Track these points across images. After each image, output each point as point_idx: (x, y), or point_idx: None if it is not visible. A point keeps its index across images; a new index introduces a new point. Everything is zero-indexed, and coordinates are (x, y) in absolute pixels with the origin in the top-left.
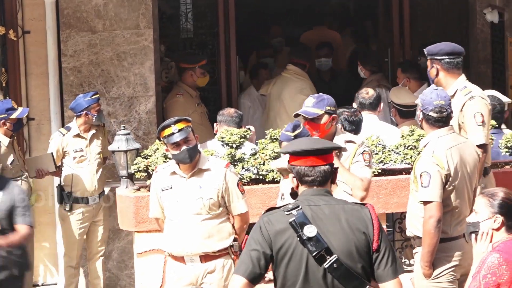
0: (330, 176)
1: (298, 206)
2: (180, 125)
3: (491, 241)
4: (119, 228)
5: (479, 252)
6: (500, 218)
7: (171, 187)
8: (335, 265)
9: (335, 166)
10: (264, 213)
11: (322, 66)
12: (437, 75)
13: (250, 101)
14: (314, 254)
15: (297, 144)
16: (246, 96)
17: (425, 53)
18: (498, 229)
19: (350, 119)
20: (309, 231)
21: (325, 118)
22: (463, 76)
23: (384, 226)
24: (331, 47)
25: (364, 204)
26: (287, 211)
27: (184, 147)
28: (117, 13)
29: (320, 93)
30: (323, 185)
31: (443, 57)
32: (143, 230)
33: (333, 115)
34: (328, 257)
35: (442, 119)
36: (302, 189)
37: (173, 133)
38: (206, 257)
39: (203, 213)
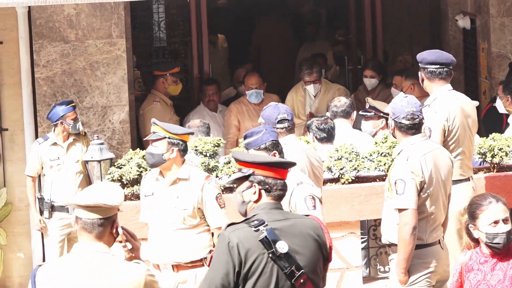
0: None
1: (264, 222)
2: (156, 128)
3: None
4: None
5: None
6: None
7: (153, 194)
8: (302, 280)
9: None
10: (227, 228)
11: None
12: (422, 81)
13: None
14: (285, 270)
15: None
16: (195, 114)
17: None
18: None
19: (320, 127)
20: (281, 247)
21: None
22: (445, 86)
23: (358, 233)
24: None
25: (307, 216)
26: (255, 228)
27: (148, 149)
28: (89, 22)
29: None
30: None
31: (426, 66)
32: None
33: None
34: (297, 272)
35: (414, 126)
36: (263, 201)
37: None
38: (178, 267)
39: (177, 223)
